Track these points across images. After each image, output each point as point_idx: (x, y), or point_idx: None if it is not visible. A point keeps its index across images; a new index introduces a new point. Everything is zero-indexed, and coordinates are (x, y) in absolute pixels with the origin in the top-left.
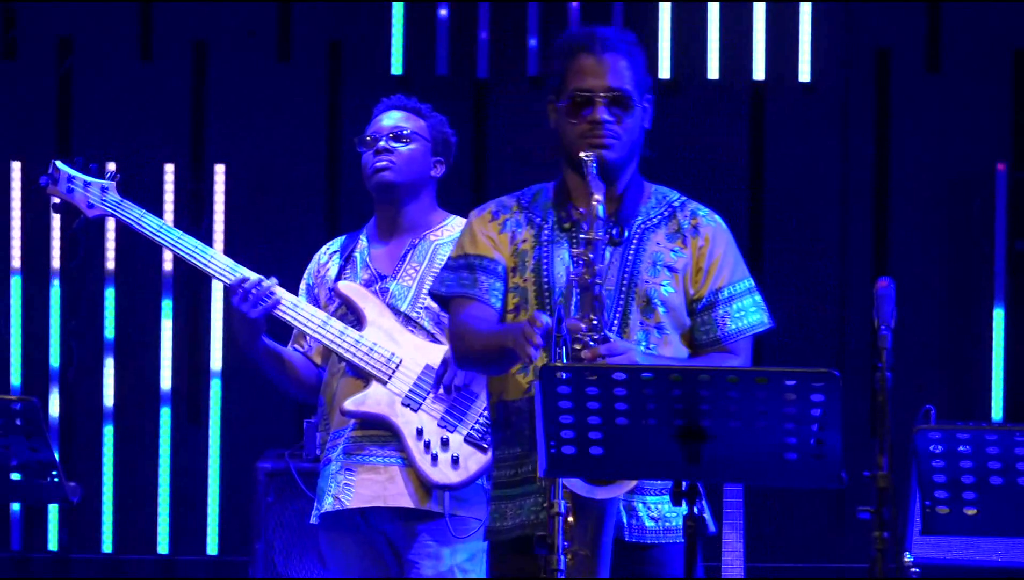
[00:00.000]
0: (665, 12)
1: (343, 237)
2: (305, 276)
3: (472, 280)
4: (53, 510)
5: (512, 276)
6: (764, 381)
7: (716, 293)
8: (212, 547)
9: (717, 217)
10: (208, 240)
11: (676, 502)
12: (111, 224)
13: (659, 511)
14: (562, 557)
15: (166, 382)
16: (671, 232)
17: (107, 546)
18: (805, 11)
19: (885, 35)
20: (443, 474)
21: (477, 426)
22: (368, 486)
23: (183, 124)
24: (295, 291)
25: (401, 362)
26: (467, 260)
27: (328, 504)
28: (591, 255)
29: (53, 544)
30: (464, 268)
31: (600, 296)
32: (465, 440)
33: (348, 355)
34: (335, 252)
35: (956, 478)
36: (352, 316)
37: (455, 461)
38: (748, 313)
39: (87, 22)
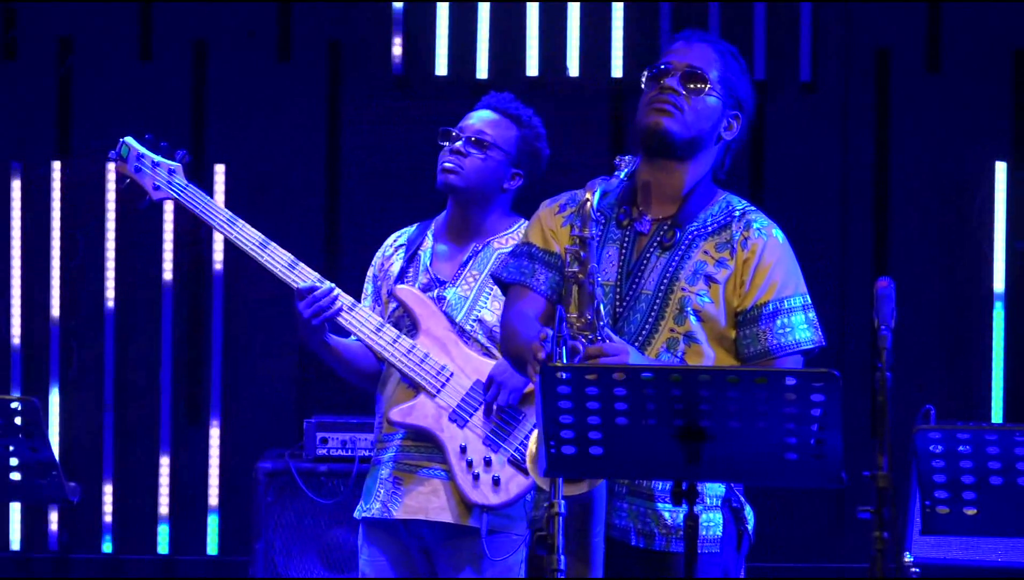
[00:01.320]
0: (665, 13)
1: (412, 227)
2: (372, 265)
3: (531, 269)
4: (53, 510)
5: (567, 266)
6: (764, 381)
7: (761, 307)
8: (212, 547)
9: (775, 230)
10: (208, 240)
11: (676, 502)
12: (111, 223)
13: (674, 520)
14: (562, 557)
15: (166, 382)
16: (722, 242)
17: (107, 546)
18: (805, 11)
19: (885, 35)
20: (483, 495)
21: (522, 447)
22: (414, 497)
23: (183, 124)
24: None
25: (452, 375)
26: (529, 248)
27: (376, 510)
28: (584, 253)
29: (53, 544)
30: (525, 256)
31: (594, 294)
32: (508, 461)
33: (399, 364)
34: (401, 245)
35: (956, 478)
36: (408, 321)
37: (496, 482)
38: (795, 330)
39: (87, 22)
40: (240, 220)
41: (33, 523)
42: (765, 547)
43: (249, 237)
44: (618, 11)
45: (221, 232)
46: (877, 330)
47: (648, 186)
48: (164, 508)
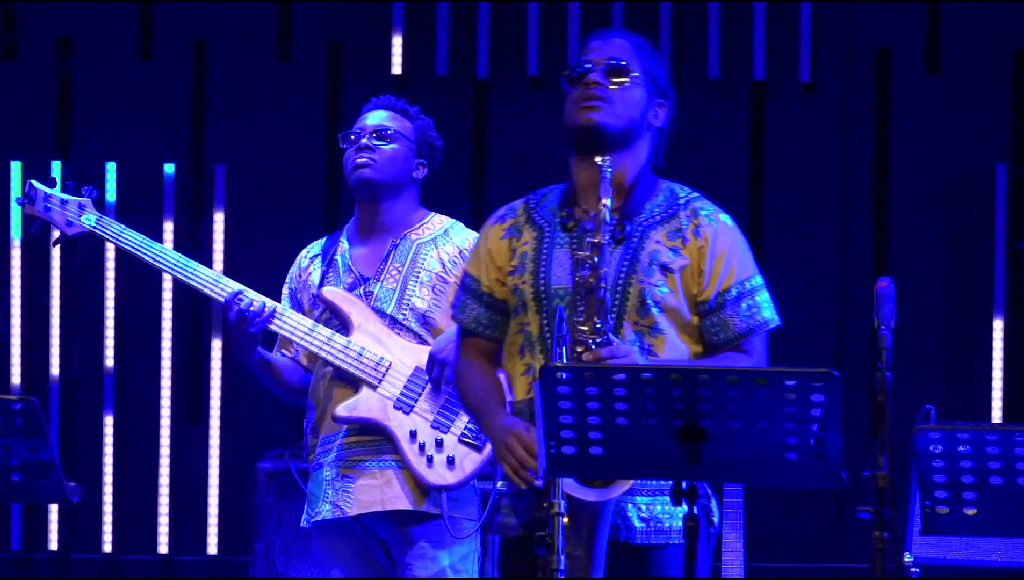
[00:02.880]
0: (665, 12)
1: (323, 240)
2: (287, 281)
3: (462, 304)
4: (53, 510)
5: (513, 277)
6: (764, 381)
7: (724, 293)
8: (212, 547)
9: (723, 216)
10: (208, 240)
11: (676, 502)
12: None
13: (650, 512)
14: (562, 557)
15: (166, 382)
16: (672, 230)
17: (107, 546)
18: (805, 11)
19: (885, 35)
20: (440, 475)
21: (470, 426)
22: (366, 492)
23: (183, 124)
24: (277, 297)
25: (390, 365)
26: (466, 279)
27: (327, 511)
28: (596, 259)
29: (53, 544)
30: (464, 289)
31: (604, 299)
32: (459, 440)
33: (337, 361)
34: (316, 256)
35: (956, 478)
36: (337, 321)
37: (451, 462)
38: (761, 309)
39: (87, 22)
40: (157, 243)
41: (33, 523)
42: (765, 547)
43: (167, 258)
44: (618, 11)
45: (139, 256)
46: (877, 330)
47: (589, 185)
48: (164, 508)
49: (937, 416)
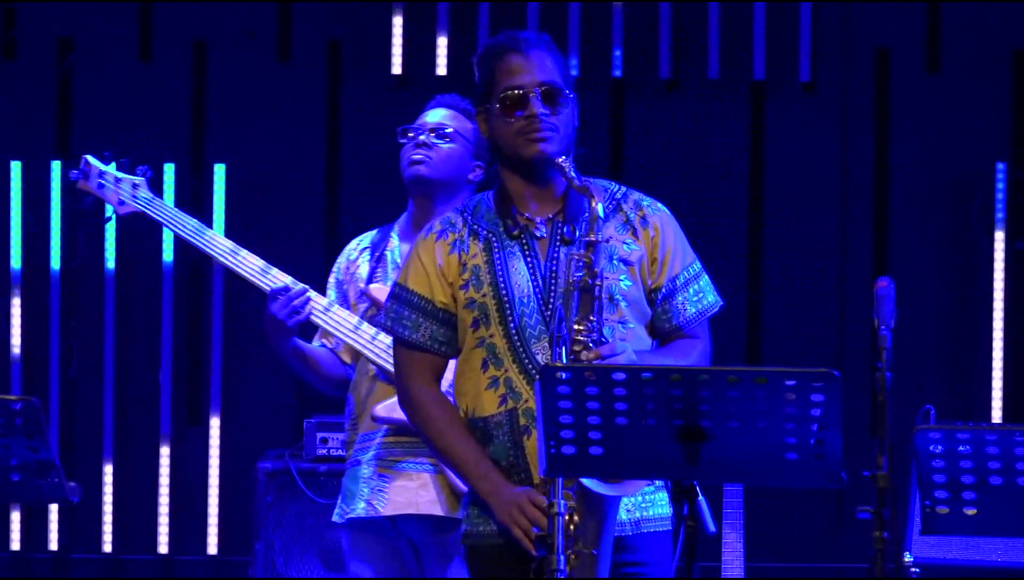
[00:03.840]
0: (665, 12)
1: (373, 232)
2: (334, 271)
3: (414, 323)
4: (53, 510)
5: (467, 291)
6: (764, 381)
7: (673, 281)
8: (212, 547)
9: (660, 205)
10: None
11: (676, 502)
12: (110, 222)
13: (633, 503)
14: (562, 557)
15: (166, 382)
16: (620, 224)
17: (107, 546)
18: (805, 11)
19: (885, 35)
20: None
21: None
22: (402, 493)
23: (183, 124)
24: (320, 287)
25: None
26: (407, 294)
27: (361, 509)
28: (591, 257)
29: (53, 544)
30: (405, 304)
31: (600, 298)
32: None
33: (380, 360)
34: (365, 249)
35: (956, 478)
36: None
37: None
38: (704, 294)
39: (87, 22)
40: (209, 229)
41: (33, 523)
42: (765, 547)
43: (219, 245)
44: (617, 11)
45: (190, 241)
46: (877, 330)
47: (525, 194)
48: (164, 508)
49: (937, 416)
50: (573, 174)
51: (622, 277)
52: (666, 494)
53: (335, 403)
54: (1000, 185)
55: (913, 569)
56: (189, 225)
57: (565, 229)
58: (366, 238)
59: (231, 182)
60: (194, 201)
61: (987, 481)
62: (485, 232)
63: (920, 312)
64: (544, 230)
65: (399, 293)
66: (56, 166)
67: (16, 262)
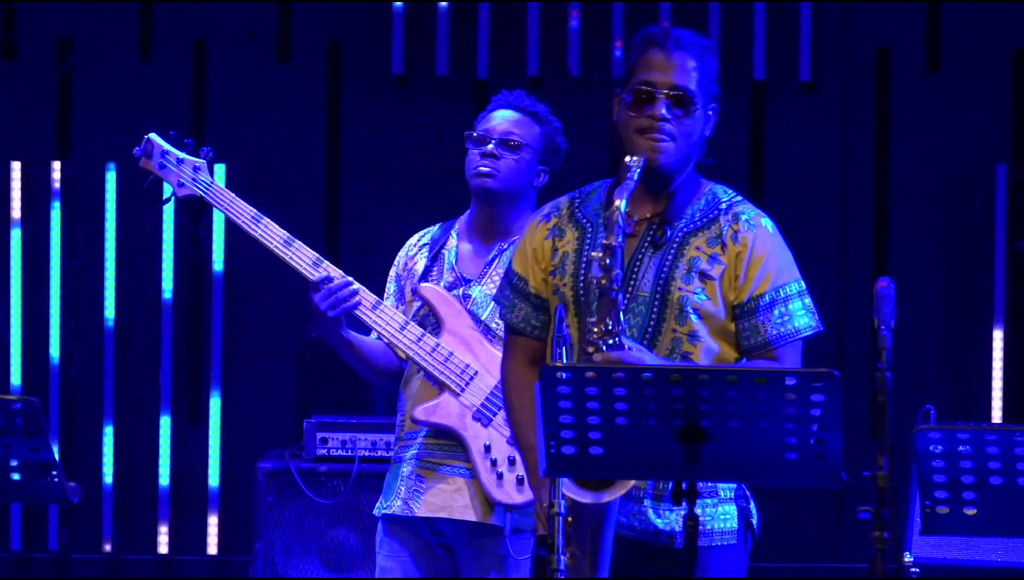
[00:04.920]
0: (665, 13)
1: (435, 227)
2: (395, 264)
3: (511, 304)
4: (53, 510)
5: (554, 278)
6: (764, 381)
7: (758, 299)
8: (212, 547)
9: (764, 220)
10: (208, 240)
11: (676, 502)
12: (110, 221)
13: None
14: (562, 557)
15: (166, 381)
16: (712, 237)
17: (107, 546)
18: (805, 11)
19: (885, 35)
20: (507, 494)
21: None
22: (437, 495)
23: (183, 124)
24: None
25: (476, 374)
26: (511, 275)
27: (397, 507)
28: (608, 261)
29: (53, 544)
30: (508, 284)
31: (616, 301)
32: None
33: (423, 362)
34: (425, 244)
35: (956, 478)
36: (432, 319)
37: (520, 481)
38: (794, 317)
39: (87, 22)
40: (265, 217)
41: (33, 523)
42: (765, 547)
43: (274, 235)
44: (617, 11)
45: (246, 229)
46: (877, 330)
47: (637, 187)
48: (164, 508)
49: (937, 416)
50: (632, 174)
51: (697, 290)
52: (734, 506)
53: (335, 403)
54: (1000, 185)
55: (913, 569)
56: (246, 213)
57: (653, 234)
58: (427, 234)
59: (231, 182)
60: (194, 201)
61: (987, 481)
62: (585, 221)
63: (920, 312)
64: (640, 229)
65: (507, 272)
66: (56, 167)
67: (16, 261)
